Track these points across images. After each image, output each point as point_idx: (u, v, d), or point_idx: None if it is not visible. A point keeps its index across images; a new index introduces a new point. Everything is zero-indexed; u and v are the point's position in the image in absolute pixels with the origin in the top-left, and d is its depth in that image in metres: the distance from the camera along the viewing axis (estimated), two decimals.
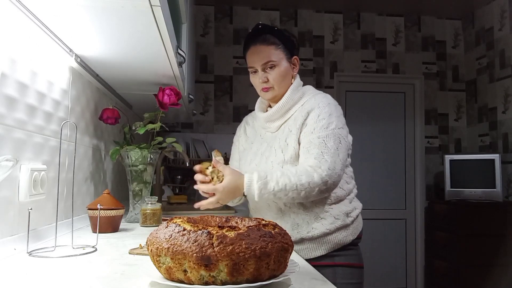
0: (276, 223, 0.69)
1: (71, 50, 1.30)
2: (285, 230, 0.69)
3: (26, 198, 1.02)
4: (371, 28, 4.03)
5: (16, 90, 1.00)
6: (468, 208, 3.28)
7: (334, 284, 1.27)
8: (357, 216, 1.44)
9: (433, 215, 3.71)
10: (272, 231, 0.64)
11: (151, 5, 0.93)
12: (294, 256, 0.91)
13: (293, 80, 1.47)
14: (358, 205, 1.47)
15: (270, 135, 1.49)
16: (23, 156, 1.04)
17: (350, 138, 1.44)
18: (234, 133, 1.67)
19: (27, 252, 0.90)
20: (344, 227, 1.39)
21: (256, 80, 1.46)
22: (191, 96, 2.32)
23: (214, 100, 3.79)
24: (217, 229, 0.61)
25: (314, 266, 1.32)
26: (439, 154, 4.02)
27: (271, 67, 1.42)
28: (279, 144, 1.41)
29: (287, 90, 1.45)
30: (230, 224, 0.79)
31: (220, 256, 0.58)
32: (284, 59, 1.44)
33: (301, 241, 1.38)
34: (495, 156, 3.35)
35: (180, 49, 1.43)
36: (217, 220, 0.81)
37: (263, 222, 0.69)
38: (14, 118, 0.99)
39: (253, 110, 1.58)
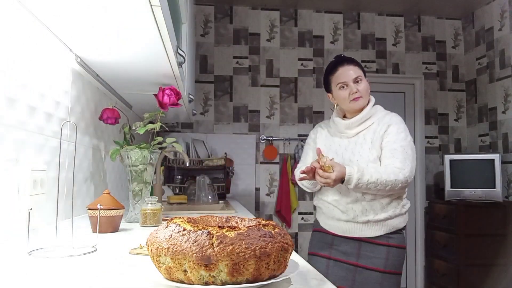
0: (276, 223, 0.69)
1: (71, 50, 1.30)
2: (285, 230, 0.69)
3: (26, 198, 1.02)
4: (371, 28, 4.03)
5: (16, 90, 1.00)
6: (468, 208, 3.28)
7: (387, 260, 1.78)
8: (408, 208, 1.84)
9: (433, 215, 3.71)
10: (272, 231, 0.64)
11: (151, 5, 0.94)
12: (293, 256, 0.91)
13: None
14: (407, 201, 1.86)
15: (347, 140, 1.86)
16: (23, 156, 1.04)
17: None
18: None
19: (27, 252, 0.90)
20: (400, 215, 1.79)
21: (345, 93, 1.82)
22: (191, 96, 2.32)
23: (214, 100, 3.79)
24: (217, 229, 0.61)
25: (369, 242, 1.80)
26: (439, 154, 4.02)
27: (359, 81, 1.81)
28: (362, 148, 1.79)
29: (367, 103, 1.84)
30: (230, 224, 0.79)
31: (220, 256, 0.58)
32: (364, 77, 1.84)
33: (367, 222, 1.77)
34: (495, 156, 3.35)
35: (180, 49, 1.44)
36: (217, 220, 0.81)
37: (263, 222, 0.69)
38: (14, 118, 0.99)
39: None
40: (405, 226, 1.84)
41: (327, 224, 1.89)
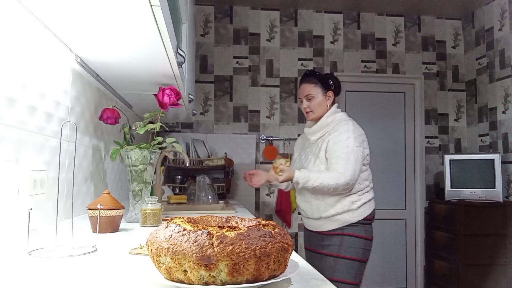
0: (276, 223, 0.69)
1: (71, 50, 1.30)
2: (285, 230, 0.69)
3: (26, 198, 1.02)
4: (371, 28, 4.03)
5: (16, 90, 1.00)
6: (468, 208, 3.28)
7: (340, 246, 2.04)
8: (362, 205, 2.05)
9: (433, 215, 3.71)
10: (272, 231, 0.64)
11: (151, 5, 0.94)
12: (294, 256, 0.91)
13: (329, 107, 2.14)
14: (365, 197, 2.07)
15: (309, 146, 2.19)
16: (23, 156, 1.04)
17: (366, 151, 2.09)
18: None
19: (27, 252, 0.90)
20: (350, 211, 2.03)
21: (302, 107, 2.19)
22: (191, 96, 2.32)
23: (214, 100, 3.79)
24: (217, 229, 0.61)
25: (327, 234, 2.09)
26: (439, 154, 4.02)
27: (310, 98, 2.13)
28: (312, 155, 2.11)
29: (323, 114, 2.12)
30: (230, 224, 0.79)
31: (220, 256, 0.58)
32: (320, 93, 2.13)
33: (319, 218, 2.09)
34: (495, 156, 3.35)
35: (180, 49, 1.43)
36: (217, 220, 0.81)
37: (263, 222, 0.69)
38: (14, 118, 0.99)
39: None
40: (365, 220, 2.05)
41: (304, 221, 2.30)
